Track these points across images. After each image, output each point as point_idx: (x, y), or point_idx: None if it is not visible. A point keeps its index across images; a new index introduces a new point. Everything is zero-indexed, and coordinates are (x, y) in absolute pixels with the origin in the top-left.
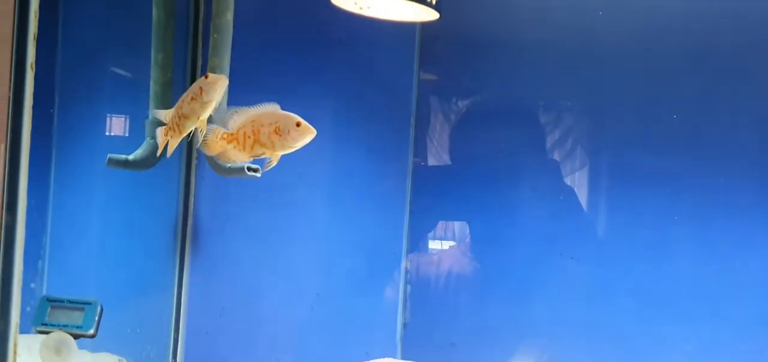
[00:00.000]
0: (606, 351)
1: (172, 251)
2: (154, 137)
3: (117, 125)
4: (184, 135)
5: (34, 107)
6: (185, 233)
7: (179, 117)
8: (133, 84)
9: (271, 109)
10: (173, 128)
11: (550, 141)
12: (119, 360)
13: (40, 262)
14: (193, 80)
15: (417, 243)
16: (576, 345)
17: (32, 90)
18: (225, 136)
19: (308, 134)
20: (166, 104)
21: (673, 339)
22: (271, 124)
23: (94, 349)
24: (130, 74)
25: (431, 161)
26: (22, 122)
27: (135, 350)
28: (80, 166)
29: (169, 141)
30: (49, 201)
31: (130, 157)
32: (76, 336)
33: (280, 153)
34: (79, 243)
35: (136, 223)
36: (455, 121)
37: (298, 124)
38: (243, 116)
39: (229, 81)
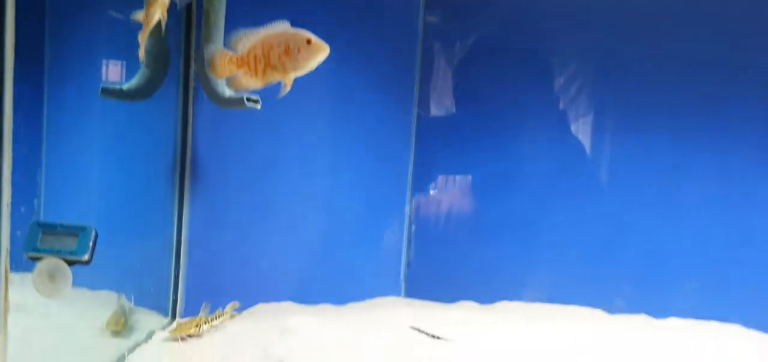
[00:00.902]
0: (607, 291)
1: (171, 184)
2: (149, 66)
3: (112, 63)
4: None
5: (24, 39)
6: (184, 166)
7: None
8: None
9: (281, 28)
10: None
11: (555, 86)
12: (119, 296)
13: (35, 200)
14: (188, 23)
15: (421, 183)
16: (578, 285)
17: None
18: (234, 59)
19: (320, 51)
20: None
21: (676, 281)
22: (280, 43)
23: (93, 286)
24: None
25: (436, 104)
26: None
27: (135, 286)
28: (73, 99)
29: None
30: (42, 137)
31: (125, 87)
32: (70, 263)
33: (293, 75)
34: (75, 179)
35: (133, 157)
36: (460, 63)
37: (308, 41)
38: (252, 38)
39: (228, 25)
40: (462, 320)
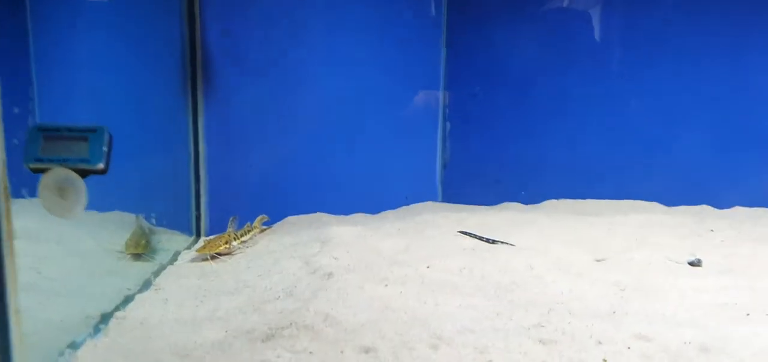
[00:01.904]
0: (665, 183)
1: (180, 88)
2: None
3: None
4: None
5: None
6: (195, 67)
7: None
8: None
9: None
10: None
11: None
12: (137, 217)
13: (29, 102)
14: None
15: (455, 75)
16: (632, 176)
17: None
18: None
19: None
20: None
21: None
22: None
23: (102, 208)
24: None
25: None
26: None
27: (152, 205)
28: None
29: None
30: (27, 26)
31: None
32: (82, 174)
33: None
34: (68, 80)
35: (134, 54)
36: None
37: None
38: None
39: None
40: (511, 221)
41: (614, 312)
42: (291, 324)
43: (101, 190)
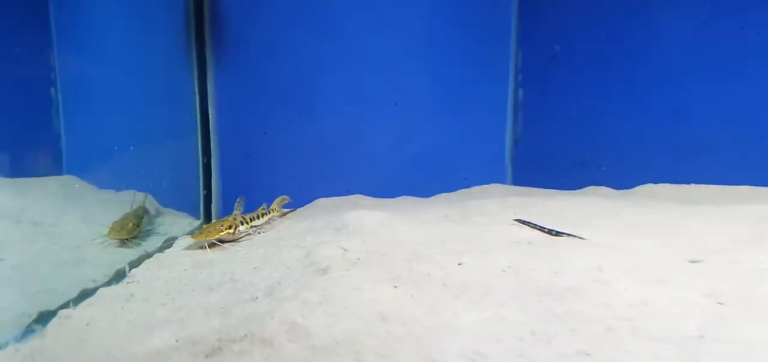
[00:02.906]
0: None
1: (184, 49)
2: None
3: None
4: None
5: None
6: (202, 27)
7: None
8: None
9: None
10: None
11: None
12: (146, 197)
13: None
14: None
15: (531, 31)
16: (747, 159)
17: None
18: None
19: None
20: None
21: None
22: None
23: (119, 187)
24: None
25: None
26: None
27: (160, 183)
28: None
29: None
30: None
31: None
32: None
33: None
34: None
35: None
36: None
37: None
38: None
39: None
40: (591, 210)
41: (702, 337)
42: (246, 335)
43: (116, 167)
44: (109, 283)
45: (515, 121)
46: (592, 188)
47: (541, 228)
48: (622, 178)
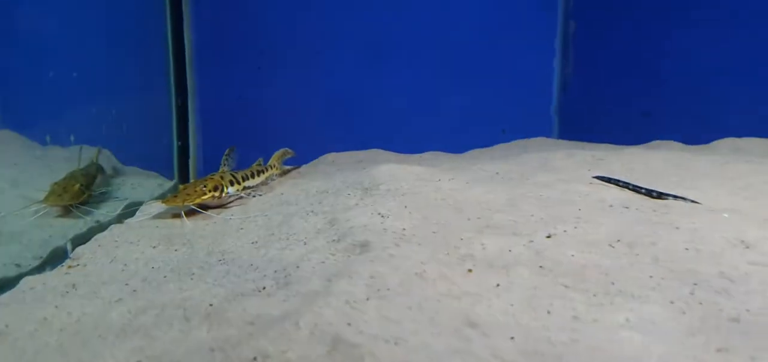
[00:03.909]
0: None
1: None
2: None
3: None
4: None
5: None
6: None
7: None
8: None
9: None
10: None
11: None
12: (98, 151)
13: None
14: None
15: None
16: None
17: None
18: None
19: None
20: None
21: None
22: None
23: (66, 143)
24: None
25: None
26: None
27: (119, 136)
28: None
29: None
30: None
31: None
32: None
33: None
34: None
35: None
36: None
37: None
38: None
39: None
40: (673, 167)
41: None
42: (256, 359)
43: (62, 115)
44: (39, 268)
45: (564, 60)
46: (658, 142)
47: (635, 188)
48: (695, 131)
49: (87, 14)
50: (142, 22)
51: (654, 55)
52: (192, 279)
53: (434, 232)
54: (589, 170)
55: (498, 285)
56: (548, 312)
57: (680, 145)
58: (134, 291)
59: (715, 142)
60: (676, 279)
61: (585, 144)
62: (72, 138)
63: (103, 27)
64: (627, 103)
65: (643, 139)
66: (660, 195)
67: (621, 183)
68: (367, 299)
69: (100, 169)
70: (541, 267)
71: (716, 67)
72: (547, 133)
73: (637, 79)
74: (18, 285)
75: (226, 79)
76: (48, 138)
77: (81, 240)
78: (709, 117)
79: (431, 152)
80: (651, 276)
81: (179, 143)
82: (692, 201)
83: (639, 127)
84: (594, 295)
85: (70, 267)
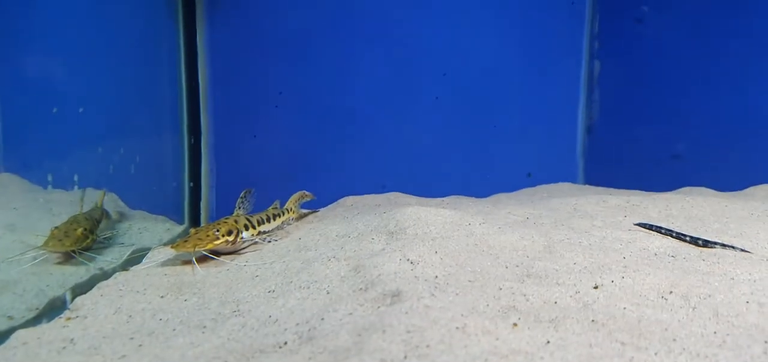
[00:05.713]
0: None
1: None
2: None
3: None
4: None
5: None
6: None
7: None
8: None
9: None
10: None
11: None
12: (101, 194)
13: None
14: None
15: None
16: None
17: None
18: None
19: None
20: None
21: None
22: None
23: (70, 186)
24: None
25: None
26: None
27: (127, 179)
28: None
29: None
30: None
31: None
32: None
33: None
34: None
35: None
36: None
37: None
38: None
39: None
40: (714, 214)
41: None
42: None
43: (66, 158)
44: (34, 321)
45: (589, 101)
46: (689, 188)
47: (679, 235)
48: (726, 177)
49: (94, 47)
50: (153, 57)
51: (682, 96)
52: (204, 332)
53: (470, 281)
54: (625, 216)
55: (548, 341)
56: None
57: (713, 191)
58: (140, 346)
59: (751, 188)
60: (743, 336)
61: (612, 190)
62: (76, 177)
63: (111, 61)
64: (654, 142)
65: (672, 185)
66: (706, 244)
67: (663, 230)
68: (405, 357)
69: (104, 213)
70: (593, 321)
71: (748, 112)
72: (572, 177)
73: (663, 120)
74: (8, 341)
75: (240, 117)
76: (50, 177)
77: (82, 289)
78: (745, 158)
79: (453, 196)
80: (715, 333)
81: (191, 184)
82: (742, 250)
83: (667, 171)
84: (655, 354)
85: (68, 319)
